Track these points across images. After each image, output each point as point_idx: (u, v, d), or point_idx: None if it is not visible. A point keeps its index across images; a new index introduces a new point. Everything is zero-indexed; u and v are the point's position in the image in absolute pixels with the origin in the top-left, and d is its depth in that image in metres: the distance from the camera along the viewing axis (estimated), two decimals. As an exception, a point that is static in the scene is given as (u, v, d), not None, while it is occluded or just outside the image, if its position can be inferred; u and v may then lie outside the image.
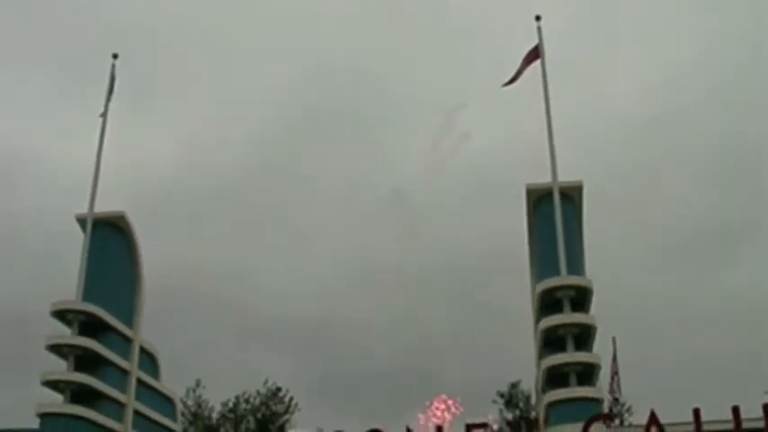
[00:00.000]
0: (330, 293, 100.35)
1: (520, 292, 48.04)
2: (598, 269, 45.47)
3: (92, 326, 43.12)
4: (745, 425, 27.54)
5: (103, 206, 46.61)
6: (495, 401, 67.55)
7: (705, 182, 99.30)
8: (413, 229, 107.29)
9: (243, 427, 69.70)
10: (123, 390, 44.67)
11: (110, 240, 46.25)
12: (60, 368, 42.61)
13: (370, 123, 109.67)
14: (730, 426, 27.48)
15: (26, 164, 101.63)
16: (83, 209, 45.84)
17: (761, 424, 28.87)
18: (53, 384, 42.13)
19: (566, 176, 43.06)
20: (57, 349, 42.60)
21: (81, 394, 42.01)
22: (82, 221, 45.54)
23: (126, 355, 45.55)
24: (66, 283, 44.31)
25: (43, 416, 40.86)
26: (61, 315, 42.83)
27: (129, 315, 46.53)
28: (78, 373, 42.17)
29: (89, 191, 45.60)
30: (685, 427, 28.44)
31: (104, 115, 47.37)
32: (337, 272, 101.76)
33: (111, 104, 48.12)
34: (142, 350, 47.35)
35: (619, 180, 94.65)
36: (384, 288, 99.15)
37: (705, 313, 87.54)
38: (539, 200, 43.63)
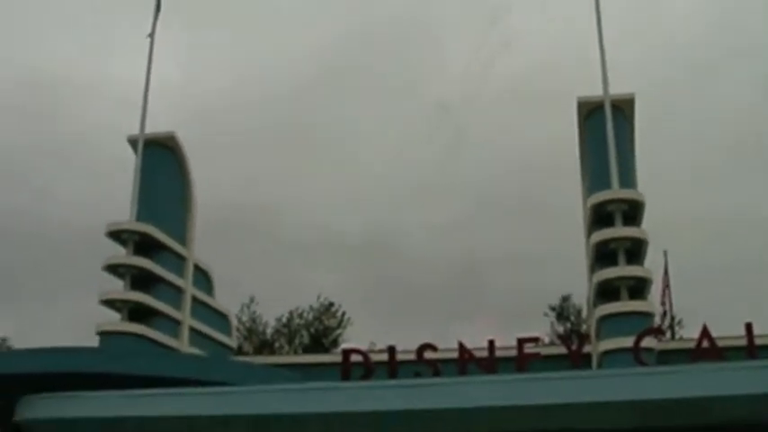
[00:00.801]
0: (380, 208, 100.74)
1: (571, 205, 47.93)
2: (650, 183, 45.14)
3: (146, 245, 43.64)
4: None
5: (154, 127, 46.96)
6: (546, 314, 67.80)
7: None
8: (459, 142, 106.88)
9: (297, 341, 70.63)
10: (178, 307, 45.35)
11: (160, 160, 46.51)
12: (117, 288, 43.33)
13: (413, 36, 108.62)
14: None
15: (73, 84, 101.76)
16: (133, 130, 46.19)
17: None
18: (110, 303, 42.88)
19: (617, 88, 42.50)
20: (113, 269, 43.23)
21: (137, 313, 42.72)
22: (133, 142, 45.85)
23: (180, 273, 46.11)
24: (117, 205, 44.95)
25: (102, 334, 41.67)
26: (116, 235, 43.37)
27: (181, 234, 46.97)
28: (134, 291, 42.88)
29: (139, 111, 45.90)
30: (737, 341, 28.23)
31: (152, 35, 47.29)
32: (386, 187, 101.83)
33: (159, 22, 48.09)
34: (196, 268, 47.89)
35: (673, 90, 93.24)
36: (432, 202, 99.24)
37: (759, 225, 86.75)
38: (590, 113, 43.17)
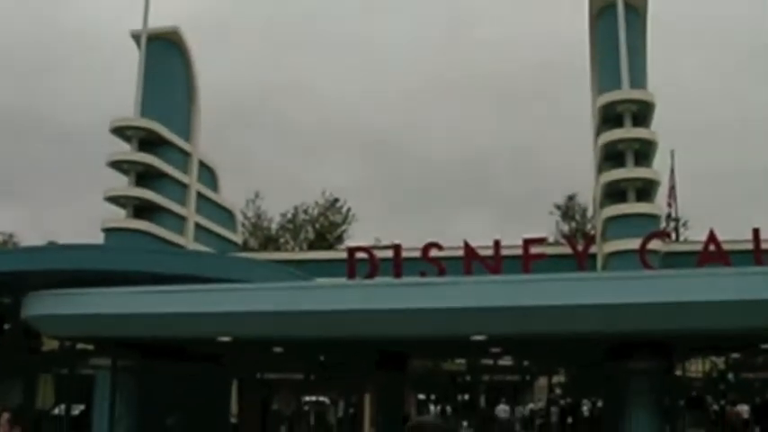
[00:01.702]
0: (390, 104, 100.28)
1: (581, 104, 47.50)
2: (662, 83, 44.57)
3: (151, 141, 43.43)
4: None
5: (157, 22, 46.28)
6: (551, 213, 67.87)
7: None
8: (471, 39, 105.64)
9: (302, 236, 70.92)
10: (183, 203, 45.30)
11: (164, 55, 46.01)
12: (122, 184, 43.23)
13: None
14: (791, 244, 27.10)
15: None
16: (136, 25, 45.53)
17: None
18: (115, 200, 42.85)
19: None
20: (118, 165, 43.12)
21: (143, 209, 42.73)
22: (136, 38, 45.22)
23: (185, 169, 45.96)
24: (122, 101, 44.57)
25: (107, 231, 41.73)
26: (120, 131, 43.14)
27: (186, 130, 46.70)
28: (139, 188, 42.78)
29: (141, 6, 45.18)
30: (744, 245, 28.07)
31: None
32: (394, 84, 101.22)
33: None
34: (201, 164, 47.72)
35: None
36: (441, 98, 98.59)
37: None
38: (602, 10, 42.42)
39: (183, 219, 45.04)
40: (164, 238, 42.53)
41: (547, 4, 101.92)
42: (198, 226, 46.13)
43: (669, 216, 56.22)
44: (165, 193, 43.45)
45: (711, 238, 25.98)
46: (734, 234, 31.70)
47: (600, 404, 42.30)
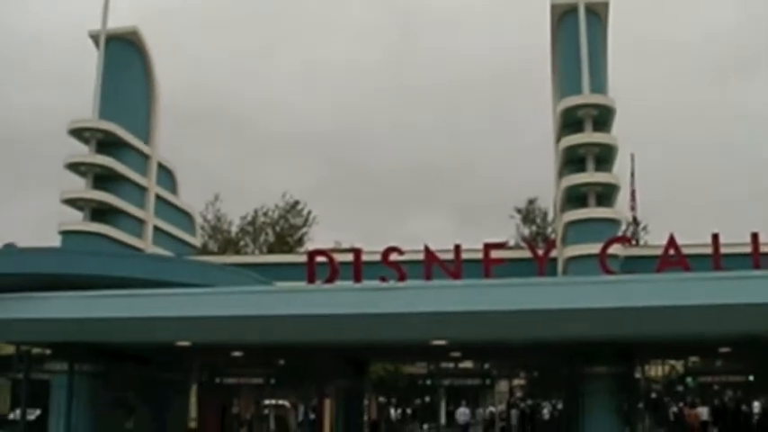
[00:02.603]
0: (348, 107, 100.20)
1: (542, 109, 47.62)
2: (622, 88, 44.80)
3: (109, 143, 42.98)
4: (763, 249, 27.36)
5: (117, 22, 45.84)
6: (512, 217, 68.01)
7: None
8: (428, 43, 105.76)
9: (262, 239, 70.59)
10: (142, 206, 44.88)
11: (124, 56, 45.53)
12: (80, 187, 42.75)
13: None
14: (748, 250, 27.29)
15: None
16: (96, 26, 45.04)
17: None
18: (73, 202, 42.37)
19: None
20: (75, 168, 42.63)
21: (101, 212, 42.27)
22: (95, 38, 44.76)
23: (144, 171, 45.53)
24: (80, 103, 44.07)
25: (64, 234, 41.23)
26: (78, 133, 42.66)
27: (145, 132, 46.25)
28: (97, 190, 42.32)
29: (101, 7, 44.74)
30: (703, 249, 28.25)
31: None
32: (353, 88, 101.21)
33: None
34: (160, 166, 47.29)
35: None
36: (402, 103, 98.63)
37: (727, 134, 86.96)
38: (563, 15, 42.52)
39: (141, 222, 44.63)
40: (122, 242, 42.09)
41: (508, 11, 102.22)
42: (157, 229, 45.72)
43: (634, 220, 56.65)
44: (123, 195, 43.00)
45: (671, 242, 26.10)
46: (694, 238, 31.95)
47: (560, 407, 42.41)
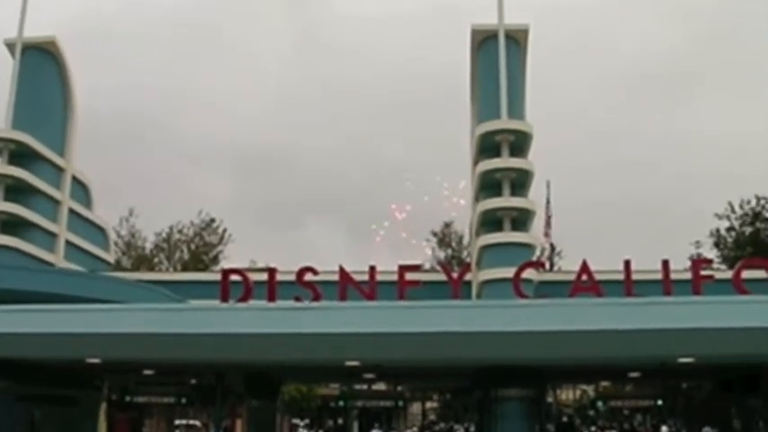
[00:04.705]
0: (266, 122, 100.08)
1: (461, 134, 47.94)
2: (540, 114, 45.35)
3: (22, 155, 42.10)
4: (674, 276, 27.95)
5: (35, 31, 45.04)
6: (427, 240, 68.27)
7: (660, 25, 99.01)
8: (351, 59, 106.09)
9: (176, 257, 69.91)
10: (55, 220, 44.04)
11: (40, 66, 44.69)
12: (-10, 198, 41.88)
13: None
14: (659, 276, 27.84)
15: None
16: (12, 33, 44.21)
17: (689, 275, 29.36)
18: (-18, 213, 41.48)
19: (513, 19, 42.24)
20: (-15, 178, 41.75)
21: (11, 224, 41.34)
22: (11, 47, 43.94)
23: (58, 184, 44.68)
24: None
25: (-28, 245, 40.35)
26: (-11, 144, 41.82)
27: (60, 144, 45.40)
28: (8, 203, 41.43)
29: (18, 14, 43.96)
30: (615, 275, 28.72)
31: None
32: (279, 102, 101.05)
33: None
34: (74, 180, 46.46)
35: (567, 23, 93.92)
36: (326, 118, 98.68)
37: (645, 160, 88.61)
38: (483, 42, 42.89)
39: (53, 236, 43.73)
40: (33, 255, 41.20)
41: (430, 34, 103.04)
42: (69, 244, 44.84)
43: (551, 246, 57.32)
44: (35, 208, 42.09)
45: (584, 268, 26.51)
46: (607, 265, 32.42)
47: (473, 430, 42.63)
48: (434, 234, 68.66)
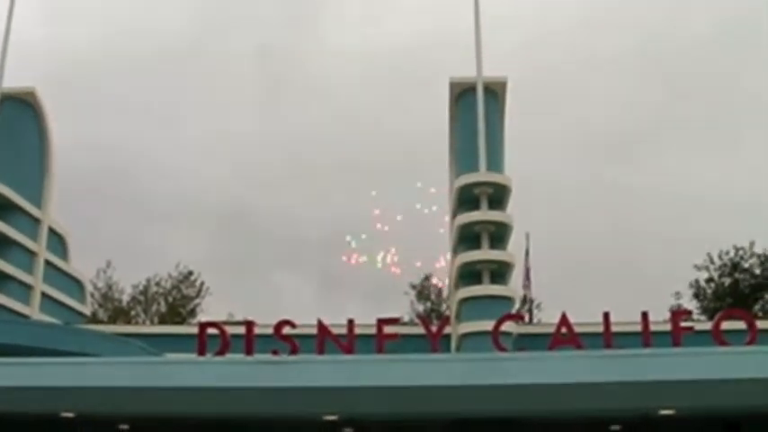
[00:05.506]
0: (240, 175, 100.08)
1: (438, 187, 47.99)
2: (518, 167, 45.42)
3: (-2, 206, 41.96)
4: (653, 328, 27.86)
5: (13, 82, 44.99)
6: (406, 293, 68.14)
7: (628, 82, 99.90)
8: (329, 118, 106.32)
9: (153, 309, 69.51)
10: (30, 272, 43.72)
11: (18, 117, 44.66)
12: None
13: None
14: (639, 328, 27.76)
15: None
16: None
17: (668, 327, 29.30)
18: (-44, 265, 41.12)
19: (490, 72, 42.51)
20: (-40, 230, 41.46)
21: (-14, 276, 41.10)
22: (-11, 97, 43.93)
23: (34, 236, 44.44)
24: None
25: (-54, 297, 39.96)
26: (-35, 194, 41.58)
27: (38, 195, 45.26)
28: (-17, 254, 41.18)
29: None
30: (595, 328, 28.64)
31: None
32: (253, 159, 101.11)
33: (22, -26, 46.06)
34: (51, 231, 46.24)
35: (544, 78, 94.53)
36: (300, 175, 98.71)
37: (622, 211, 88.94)
38: (461, 94, 43.17)
39: (29, 288, 43.41)
40: (7, 307, 40.84)
41: (409, 90, 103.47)
42: (45, 295, 44.50)
43: (525, 298, 57.16)
44: (10, 260, 41.78)
45: (563, 320, 26.39)
46: (587, 317, 32.32)
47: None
48: (413, 287, 68.60)
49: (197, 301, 70.54)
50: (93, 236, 75.42)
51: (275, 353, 25.08)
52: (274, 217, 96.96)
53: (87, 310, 50.77)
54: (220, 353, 25.61)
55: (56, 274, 46.07)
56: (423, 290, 68.57)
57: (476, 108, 40.95)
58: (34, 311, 43.20)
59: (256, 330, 26.92)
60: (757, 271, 58.12)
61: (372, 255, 50.27)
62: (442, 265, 50.11)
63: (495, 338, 25.98)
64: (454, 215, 41.56)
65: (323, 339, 26.07)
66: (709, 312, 55.27)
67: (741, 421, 25.28)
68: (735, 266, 58.66)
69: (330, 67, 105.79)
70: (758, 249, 58.41)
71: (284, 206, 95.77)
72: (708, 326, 28.76)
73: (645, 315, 27.44)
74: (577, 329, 26.28)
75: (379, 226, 49.99)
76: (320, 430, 25.91)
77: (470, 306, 38.42)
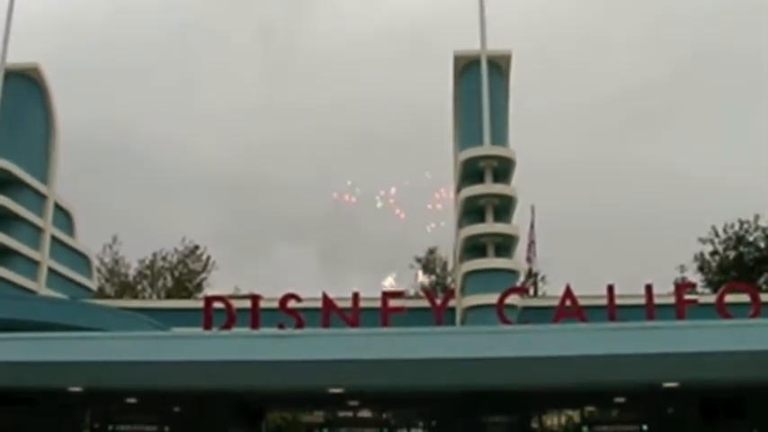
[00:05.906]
0: (249, 150, 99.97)
1: (443, 160, 47.97)
2: (523, 140, 45.42)
3: (4, 182, 41.98)
4: (657, 301, 27.91)
5: (22, 57, 44.99)
6: (411, 266, 68.24)
7: (642, 52, 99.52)
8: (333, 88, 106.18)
9: (160, 284, 69.62)
10: (37, 247, 43.87)
11: (23, 93, 44.66)
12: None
13: None
14: (643, 301, 27.80)
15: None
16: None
17: (672, 300, 29.35)
18: (-36, 242, 41.28)
19: (495, 44, 42.41)
20: (-33, 206, 41.60)
21: (-7, 252, 41.27)
22: (-7, 73, 43.92)
23: (40, 212, 44.58)
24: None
25: (-47, 274, 40.13)
26: (-29, 172, 41.67)
27: (43, 171, 45.38)
28: (-10, 230, 41.32)
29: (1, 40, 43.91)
30: (599, 300, 28.68)
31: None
32: (256, 131, 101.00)
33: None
34: (57, 207, 46.38)
35: (551, 49, 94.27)
36: (304, 147, 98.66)
37: (626, 186, 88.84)
38: (466, 67, 43.05)
39: (35, 263, 43.59)
40: (14, 283, 41.02)
41: (411, 63, 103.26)
42: (51, 271, 44.70)
43: (530, 271, 57.28)
44: (17, 236, 41.95)
45: (568, 293, 26.42)
46: (591, 290, 32.35)
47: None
48: (419, 260, 68.69)
49: (203, 275, 70.70)
50: (100, 211, 75.61)
51: (281, 326, 25.14)
52: (280, 191, 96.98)
53: (94, 285, 50.97)
54: (226, 327, 25.67)
55: (62, 249, 46.24)
56: (428, 263, 68.68)
57: (480, 81, 40.85)
58: (41, 287, 43.40)
59: (262, 304, 26.95)
60: (762, 244, 58.03)
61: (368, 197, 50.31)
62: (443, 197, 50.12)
63: (500, 311, 26.03)
64: (458, 189, 41.56)
65: (328, 313, 26.13)
66: (714, 285, 55.28)
67: (744, 393, 25.39)
68: (739, 240, 58.57)
69: (334, 42, 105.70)
70: (763, 223, 58.27)
71: (289, 180, 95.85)
72: (712, 299, 28.80)
73: (649, 288, 27.46)
74: (582, 302, 26.34)
75: (382, 192, 50.14)
76: (326, 403, 26.06)
77: (475, 279, 38.48)
